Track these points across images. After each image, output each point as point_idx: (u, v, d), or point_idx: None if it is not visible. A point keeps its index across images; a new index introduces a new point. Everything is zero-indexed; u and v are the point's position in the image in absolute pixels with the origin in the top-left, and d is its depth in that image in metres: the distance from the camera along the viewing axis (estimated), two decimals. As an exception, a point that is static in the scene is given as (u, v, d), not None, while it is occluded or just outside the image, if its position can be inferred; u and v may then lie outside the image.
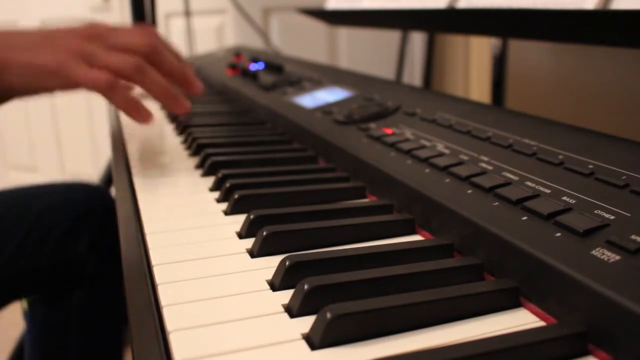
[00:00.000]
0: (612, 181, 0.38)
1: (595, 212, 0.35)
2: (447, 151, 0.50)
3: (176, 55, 0.67)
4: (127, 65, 0.58)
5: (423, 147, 0.52)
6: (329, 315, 0.30)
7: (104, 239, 0.92)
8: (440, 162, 0.48)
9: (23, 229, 0.86)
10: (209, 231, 0.46)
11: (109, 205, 0.96)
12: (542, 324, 0.32)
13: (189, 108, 0.64)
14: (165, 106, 0.63)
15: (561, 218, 0.35)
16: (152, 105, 0.89)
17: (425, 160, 0.49)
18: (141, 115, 0.59)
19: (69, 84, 0.58)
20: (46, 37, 0.59)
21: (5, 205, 0.89)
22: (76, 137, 2.50)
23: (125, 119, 0.90)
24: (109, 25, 0.64)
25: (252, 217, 0.45)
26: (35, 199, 0.91)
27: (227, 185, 0.53)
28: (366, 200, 0.53)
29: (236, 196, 0.50)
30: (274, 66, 1.01)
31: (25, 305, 0.98)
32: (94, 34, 0.60)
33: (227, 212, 0.50)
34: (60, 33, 0.60)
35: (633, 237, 0.32)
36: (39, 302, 0.97)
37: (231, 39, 2.03)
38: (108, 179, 1.45)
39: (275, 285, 0.37)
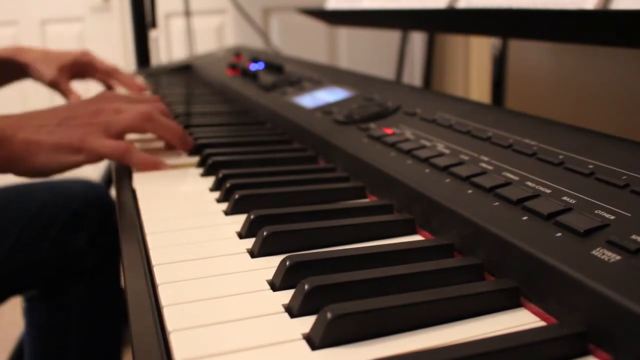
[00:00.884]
0: (612, 181, 0.38)
1: (596, 212, 0.35)
2: (447, 151, 0.50)
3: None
4: (137, 118, 0.66)
5: (423, 147, 0.52)
6: (329, 315, 0.30)
7: (103, 235, 0.92)
8: (441, 162, 0.48)
9: (22, 224, 0.86)
10: (209, 231, 0.46)
11: (108, 202, 0.96)
12: (542, 324, 0.32)
13: (193, 145, 0.71)
14: (173, 146, 0.70)
15: (561, 218, 0.35)
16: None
17: (426, 160, 0.49)
18: (157, 166, 0.65)
19: (91, 156, 0.64)
20: (67, 118, 0.66)
21: (4, 199, 0.89)
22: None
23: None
24: (116, 94, 0.74)
25: (252, 217, 0.45)
26: (35, 194, 0.91)
27: (228, 185, 0.53)
28: (366, 200, 0.53)
29: (236, 196, 0.50)
30: (274, 66, 1.01)
31: (24, 304, 0.98)
32: (105, 104, 0.69)
33: (227, 212, 0.50)
34: (78, 111, 0.67)
35: (633, 237, 0.32)
36: (39, 301, 0.97)
37: (231, 39, 2.03)
38: (108, 179, 1.45)
39: (275, 285, 0.37)
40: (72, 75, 1.11)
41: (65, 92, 1.08)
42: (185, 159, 0.68)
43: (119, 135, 0.66)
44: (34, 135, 0.62)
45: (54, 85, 1.07)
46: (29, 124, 0.64)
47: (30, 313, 0.98)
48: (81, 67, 1.12)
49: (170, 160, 0.67)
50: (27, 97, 2.17)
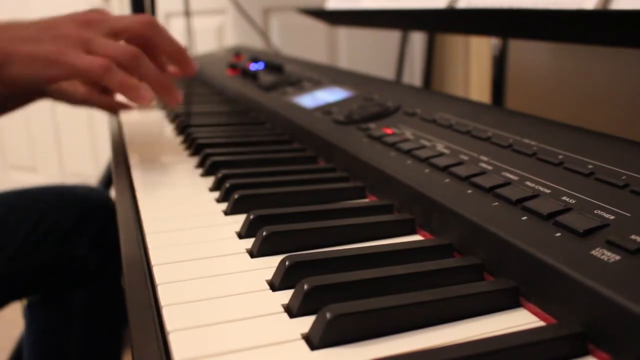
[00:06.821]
0: (612, 181, 0.38)
1: (595, 212, 0.35)
2: (447, 151, 0.50)
3: (173, 39, 0.68)
4: (124, 53, 0.59)
5: (423, 147, 0.52)
6: (328, 315, 0.30)
7: (104, 239, 0.92)
8: (440, 162, 0.48)
9: (24, 230, 0.86)
10: (209, 231, 0.46)
11: (110, 207, 0.96)
12: (541, 324, 0.32)
13: (180, 100, 0.65)
14: (158, 96, 0.64)
15: (561, 218, 0.35)
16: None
17: (425, 160, 0.49)
18: (140, 94, 0.60)
19: (68, 71, 0.58)
20: (46, 28, 0.60)
21: (7, 205, 0.89)
22: (76, 137, 2.50)
23: (125, 118, 0.90)
24: (108, 12, 0.65)
25: (252, 217, 0.45)
26: (37, 200, 0.91)
27: (227, 185, 0.53)
28: (366, 200, 0.53)
29: (236, 196, 0.50)
30: (274, 66, 1.01)
31: (25, 305, 0.98)
32: (92, 20, 0.61)
33: (227, 212, 0.50)
34: (59, 22, 0.61)
35: (633, 237, 0.32)
36: (39, 302, 0.97)
37: (231, 39, 2.03)
38: (108, 180, 1.45)
39: (275, 285, 0.37)
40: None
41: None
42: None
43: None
44: (7, 45, 0.58)
45: (85, 103, 0.84)
46: (3, 32, 0.59)
47: (30, 315, 0.98)
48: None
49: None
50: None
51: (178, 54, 0.66)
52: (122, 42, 0.63)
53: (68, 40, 0.59)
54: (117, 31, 0.61)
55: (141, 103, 0.60)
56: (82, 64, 0.57)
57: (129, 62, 0.60)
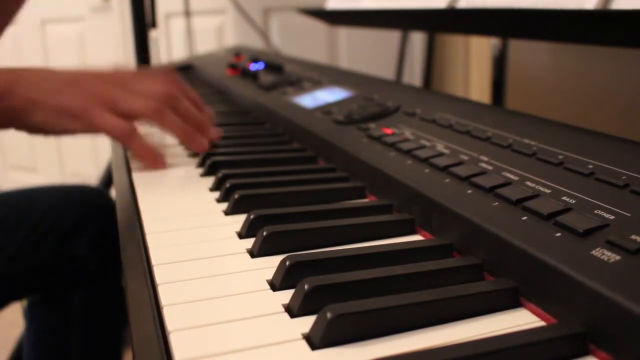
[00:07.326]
0: (612, 181, 0.38)
1: (595, 212, 0.35)
2: (447, 151, 0.50)
3: (195, 102, 0.71)
4: (147, 109, 0.63)
5: (423, 147, 0.52)
6: (329, 315, 0.30)
7: (104, 239, 0.92)
8: (440, 162, 0.48)
9: (24, 230, 0.86)
10: (209, 231, 0.46)
11: (110, 207, 0.96)
12: (542, 324, 0.32)
13: (207, 147, 0.67)
14: (184, 145, 0.67)
15: (561, 218, 0.35)
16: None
17: (425, 160, 0.49)
18: (156, 162, 0.64)
19: (91, 128, 0.62)
20: (74, 81, 0.63)
21: (6, 206, 0.89)
22: (76, 137, 2.50)
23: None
24: (132, 70, 0.69)
25: (252, 217, 0.45)
26: (37, 201, 0.91)
27: (228, 185, 0.53)
28: (366, 200, 0.53)
29: (236, 196, 0.50)
30: (274, 66, 1.01)
31: (25, 305, 0.98)
32: (118, 80, 0.65)
33: (227, 212, 0.50)
34: (87, 77, 0.64)
35: (633, 237, 0.32)
36: (39, 302, 0.97)
37: (231, 39, 2.03)
38: (108, 180, 1.45)
39: (275, 285, 0.37)
40: None
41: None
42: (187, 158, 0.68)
43: (124, 116, 0.63)
44: (35, 93, 0.61)
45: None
46: (32, 80, 0.62)
47: (30, 315, 0.98)
48: None
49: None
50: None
51: (196, 121, 0.68)
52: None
53: (94, 97, 0.62)
54: (139, 92, 0.64)
55: (155, 168, 0.64)
56: (105, 124, 0.61)
57: (151, 117, 0.64)
